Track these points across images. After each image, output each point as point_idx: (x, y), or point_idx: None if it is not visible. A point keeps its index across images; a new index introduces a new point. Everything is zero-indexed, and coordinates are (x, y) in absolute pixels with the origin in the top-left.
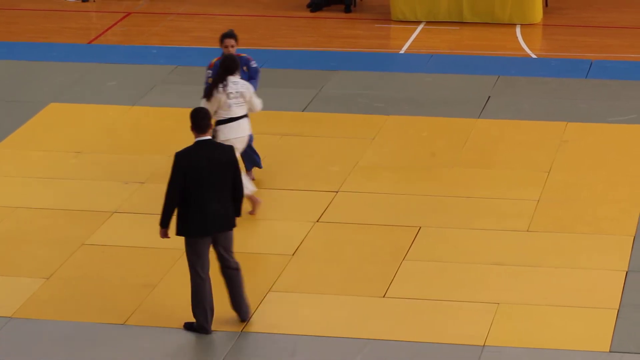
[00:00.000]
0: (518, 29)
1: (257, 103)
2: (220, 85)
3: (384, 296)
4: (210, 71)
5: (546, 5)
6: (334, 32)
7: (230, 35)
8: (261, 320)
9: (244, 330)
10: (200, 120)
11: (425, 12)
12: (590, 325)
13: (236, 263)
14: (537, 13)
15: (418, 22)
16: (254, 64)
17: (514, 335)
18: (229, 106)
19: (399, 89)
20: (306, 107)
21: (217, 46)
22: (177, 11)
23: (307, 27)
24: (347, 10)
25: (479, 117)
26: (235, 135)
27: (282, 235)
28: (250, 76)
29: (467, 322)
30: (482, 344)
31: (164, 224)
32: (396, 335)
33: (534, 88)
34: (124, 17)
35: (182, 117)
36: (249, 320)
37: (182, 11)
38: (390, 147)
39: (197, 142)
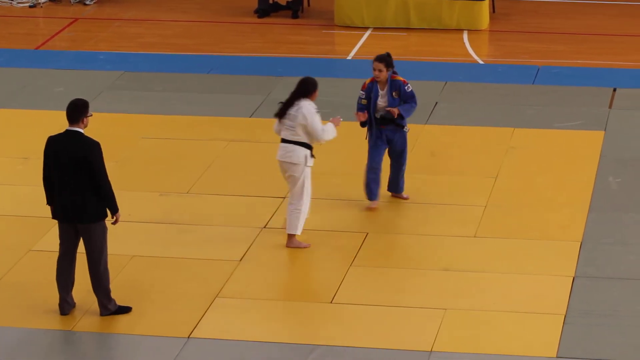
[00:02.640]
0: (465, 35)
1: (318, 133)
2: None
3: (331, 302)
4: (363, 92)
5: (493, 11)
6: (281, 37)
7: (378, 58)
8: (209, 326)
9: (191, 336)
10: (70, 111)
11: (373, 18)
12: (538, 331)
13: (93, 263)
14: (484, 19)
15: (365, 28)
16: (408, 89)
17: (462, 341)
18: (282, 125)
19: (347, 95)
20: (254, 112)
21: (165, 51)
22: (125, 17)
23: (254, 33)
24: (295, 16)
25: (426, 123)
26: (278, 157)
27: (230, 241)
28: (404, 100)
29: (414, 327)
30: (430, 350)
31: (47, 201)
32: (344, 341)
33: (481, 94)
34: (71, 23)
35: (129, 123)
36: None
37: (130, 17)
38: (338, 153)
39: (65, 131)
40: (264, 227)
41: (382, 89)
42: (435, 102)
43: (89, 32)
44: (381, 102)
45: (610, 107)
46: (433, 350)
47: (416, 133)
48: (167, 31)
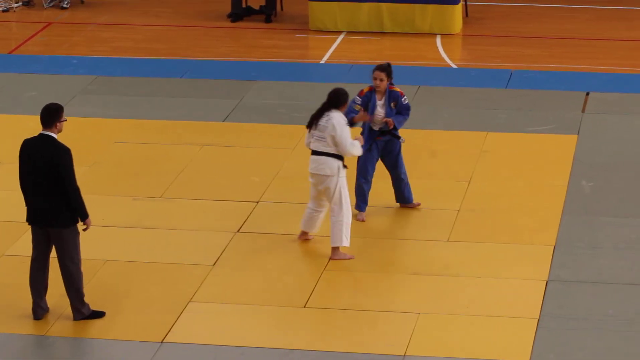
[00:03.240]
0: (438, 39)
1: (346, 146)
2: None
3: (304, 306)
4: (359, 98)
5: (466, 15)
6: (255, 42)
7: (379, 68)
8: (182, 330)
9: (164, 340)
10: (44, 115)
11: (346, 22)
12: (511, 335)
13: (65, 267)
14: (457, 23)
15: (339, 32)
16: (405, 101)
17: (435, 345)
18: (311, 136)
19: (320, 99)
20: (227, 117)
21: (138, 56)
22: (98, 21)
23: (227, 37)
24: (268, 20)
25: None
26: (310, 169)
27: (203, 246)
28: (398, 111)
29: (387, 332)
30: (403, 354)
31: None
32: (317, 346)
33: (454, 98)
34: (44, 27)
35: (102, 127)
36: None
37: (103, 21)
38: None
39: (38, 135)
40: (237, 231)
41: (380, 99)
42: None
43: (62, 37)
44: (380, 112)
45: (583, 111)
46: (406, 354)
47: None
48: (140, 35)
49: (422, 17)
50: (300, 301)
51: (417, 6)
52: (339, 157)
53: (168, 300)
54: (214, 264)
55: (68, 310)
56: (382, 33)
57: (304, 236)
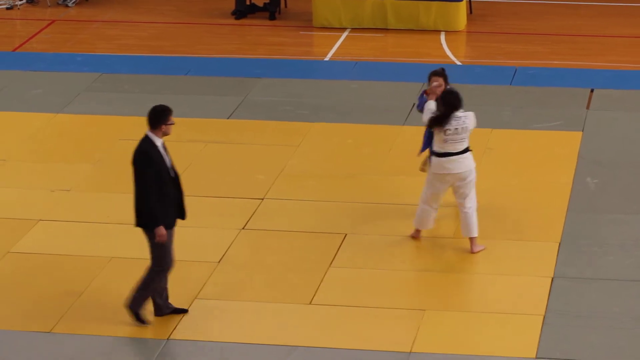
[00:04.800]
0: (442, 36)
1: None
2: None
3: (310, 303)
4: (424, 98)
5: (470, 12)
6: (259, 39)
7: (438, 73)
8: (188, 327)
9: (170, 337)
10: (148, 116)
11: (350, 19)
12: (516, 332)
13: (148, 269)
14: (461, 20)
15: (343, 29)
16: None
17: (440, 342)
18: (444, 141)
19: (324, 96)
20: (231, 114)
21: (142, 53)
22: (102, 19)
23: (231, 35)
24: (272, 17)
25: (404, 124)
26: (443, 171)
27: (208, 243)
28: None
29: (393, 328)
30: (409, 351)
31: None
32: (322, 342)
33: None
34: (48, 25)
35: (107, 125)
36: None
37: (107, 19)
38: (315, 154)
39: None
40: (243, 228)
41: None
42: (413, 104)
43: (67, 34)
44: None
45: (587, 107)
46: (412, 351)
47: (394, 134)
48: (144, 33)
49: (426, 13)
50: (306, 298)
51: (421, 3)
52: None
53: (173, 297)
54: (219, 261)
55: (73, 306)
56: (386, 30)
57: (418, 234)
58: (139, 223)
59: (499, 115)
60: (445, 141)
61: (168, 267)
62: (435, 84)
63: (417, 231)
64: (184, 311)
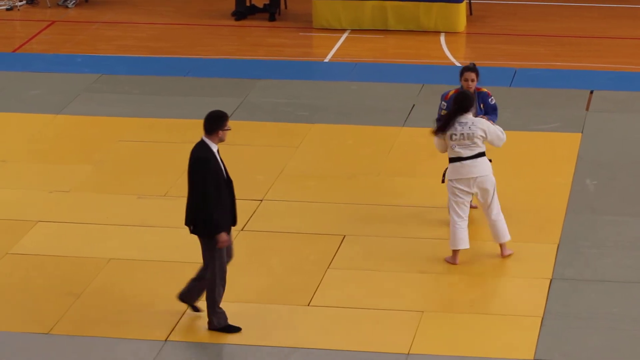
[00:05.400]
0: (442, 38)
1: (497, 138)
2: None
3: (308, 304)
4: (444, 103)
5: (470, 13)
6: (259, 40)
7: (470, 68)
8: (186, 329)
9: (168, 339)
10: (205, 122)
11: (350, 20)
12: (515, 334)
13: (201, 272)
14: (461, 21)
15: (343, 30)
16: (492, 101)
17: (439, 344)
18: (452, 147)
19: (324, 98)
20: (231, 115)
21: (142, 54)
22: (102, 20)
23: (231, 36)
24: (272, 18)
25: (403, 126)
26: (457, 177)
27: None
28: (486, 112)
29: (392, 330)
30: (407, 352)
31: None
32: (321, 344)
33: None
34: (48, 26)
35: (107, 126)
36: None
37: (107, 20)
38: (315, 155)
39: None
40: (242, 229)
41: None
42: (413, 105)
43: (66, 35)
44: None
45: (587, 109)
46: (410, 352)
47: (393, 135)
48: (144, 34)
49: (427, 15)
50: (304, 299)
51: (422, 4)
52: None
53: (171, 299)
54: None
55: (72, 308)
56: (386, 31)
57: (454, 259)
58: (198, 231)
59: (498, 116)
60: (452, 147)
61: (217, 276)
62: (468, 82)
63: (454, 253)
64: (197, 310)
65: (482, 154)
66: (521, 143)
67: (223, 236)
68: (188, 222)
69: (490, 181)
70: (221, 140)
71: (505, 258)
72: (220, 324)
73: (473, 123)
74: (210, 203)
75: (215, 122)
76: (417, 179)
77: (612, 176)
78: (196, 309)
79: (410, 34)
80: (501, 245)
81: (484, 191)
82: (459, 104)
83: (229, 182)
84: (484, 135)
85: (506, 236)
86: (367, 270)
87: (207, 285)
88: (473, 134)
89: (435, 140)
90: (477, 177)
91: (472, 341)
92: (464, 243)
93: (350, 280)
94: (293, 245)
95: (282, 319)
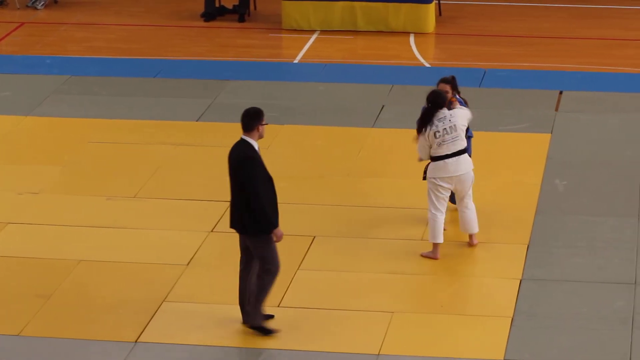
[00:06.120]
0: (412, 38)
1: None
2: (428, 124)
3: (278, 305)
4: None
5: (439, 14)
6: (228, 41)
7: (446, 80)
8: (156, 330)
9: (138, 340)
10: (242, 118)
11: (319, 21)
12: (485, 334)
13: (259, 271)
14: (430, 22)
15: (312, 31)
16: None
17: (409, 344)
18: (437, 145)
19: (293, 98)
20: (200, 116)
21: (111, 55)
22: (71, 21)
23: (201, 37)
24: (241, 19)
25: (373, 126)
26: (441, 175)
27: (176, 245)
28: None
29: (362, 331)
30: (377, 353)
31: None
32: (291, 345)
33: None
34: (17, 27)
35: (76, 127)
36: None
37: (76, 21)
38: (285, 156)
39: (239, 139)
40: (211, 231)
41: None
42: (382, 105)
43: (36, 37)
44: None
45: (556, 109)
46: (380, 353)
47: (363, 136)
48: (113, 35)
49: (396, 16)
50: (274, 300)
51: (391, 5)
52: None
53: (142, 300)
54: (187, 264)
55: (42, 309)
56: (355, 32)
57: (434, 253)
58: (251, 230)
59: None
60: (439, 145)
61: (278, 269)
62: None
63: (435, 247)
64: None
65: (463, 151)
66: (490, 144)
67: (279, 230)
68: (236, 224)
69: (471, 177)
70: (261, 136)
71: (476, 259)
72: (259, 322)
73: (452, 115)
74: (263, 201)
75: (254, 118)
76: (387, 179)
77: (582, 176)
78: (269, 325)
79: (380, 35)
80: (471, 236)
81: (463, 185)
82: (433, 101)
83: (270, 179)
84: (464, 124)
85: (476, 227)
86: (337, 271)
87: (262, 281)
88: (455, 125)
89: (419, 145)
90: (460, 174)
91: (442, 341)
92: (442, 237)
93: (321, 281)
94: None
95: None
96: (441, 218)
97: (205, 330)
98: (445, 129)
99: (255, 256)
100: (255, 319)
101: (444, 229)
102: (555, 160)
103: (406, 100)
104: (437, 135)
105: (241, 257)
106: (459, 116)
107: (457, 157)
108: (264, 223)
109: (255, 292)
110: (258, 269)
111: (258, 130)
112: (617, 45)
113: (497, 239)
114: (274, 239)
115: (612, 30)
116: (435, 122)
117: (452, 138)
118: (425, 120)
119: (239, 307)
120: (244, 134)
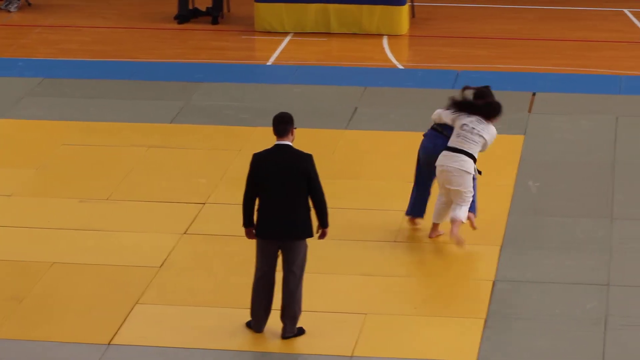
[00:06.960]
0: (385, 40)
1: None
2: (466, 113)
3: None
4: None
5: (413, 16)
6: (201, 43)
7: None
8: (128, 332)
9: (111, 342)
10: (276, 124)
11: (293, 24)
12: (457, 335)
13: (294, 278)
14: (404, 24)
15: (286, 34)
16: None
17: (382, 346)
18: (457, 135)
19: (266, 100)
20: (174, 118)
21: (84, 58)
22: (44, 23)
23: (174, 39)
24: (215, 21)
25: (346, 128)
26: (440, 163)
27: (149, 248)
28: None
29: (334, 332)
30: (350, 355)
31: (244, 223)
32: (264, 347)
33: (400, 99)
34: None
35: (49, 130)
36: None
37: (49, 23)
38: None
39: (274, 146)
40: (184, 233)
41: None
42: (355, 107)
43: (8, 39)
44: None
45: (529, 111)
46: (354, 355)
47: (336, 138)
48: (87, 37)
49: (369, 18)
50: (248, 302)
51: (364, 7)
52: (474, 160)
53: (115, 302)
54: (160, 266)
55: (15, 312)
56: (329, 34)
57: (434, 232)
58: (308, 232)
59: None
60: (458, 135)
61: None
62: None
63: (434, 227)
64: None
65: (464, 153)
66: None
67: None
68: (287, 230)
69: (453, 176)
70: (293, 139)
71: (449, 261)
72: (295, 330)
73: (487, 126)
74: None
75: (289, 122)
76: (361, 181)
77: (555, 178)
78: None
79: (353, 37)
80: (435, 225)
81: (443, 176)
82: (490, 108)
83: None
84: (486, 139)
85: (442, 219)
86: (310, 273)
87: (297, 290)
88: (481, 135)
89: (439, 111)
90: (443, 165)
91: (415, 343)
92: (441, 217)
93: None
94: (236, 248)
95: (226, 322)
96: (439, 201)
97: (178, 332)
98: (473, 128)
99: (290, 261)
100: (294, 327)
101: (440, 233)
102: (529, 161)
103: (379, 102)
104: (464, 128)
105: (260, 266)
106: (489, 132)
107: (454, 153)
108: (325, 219)
109: (299, 299)
110: (290, 277)
111: (292, 134)
112: (589, 47)
113: (470, 240)
114: (325, 234)
115: (585, 32)
116: (472, 118)
117: (468, 139)
118: (465, 108)
119: (211, 309)
120: (278, 140)
